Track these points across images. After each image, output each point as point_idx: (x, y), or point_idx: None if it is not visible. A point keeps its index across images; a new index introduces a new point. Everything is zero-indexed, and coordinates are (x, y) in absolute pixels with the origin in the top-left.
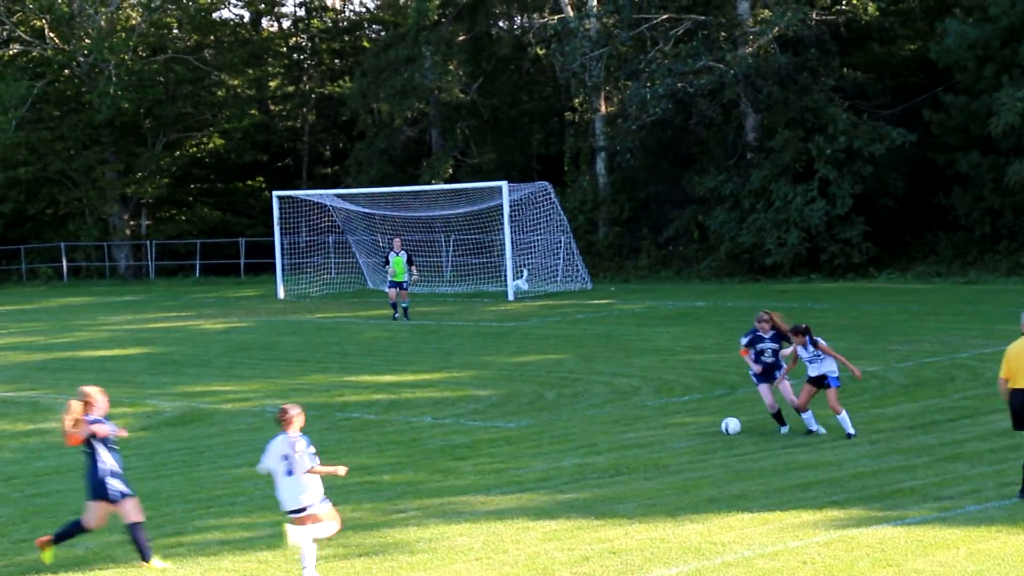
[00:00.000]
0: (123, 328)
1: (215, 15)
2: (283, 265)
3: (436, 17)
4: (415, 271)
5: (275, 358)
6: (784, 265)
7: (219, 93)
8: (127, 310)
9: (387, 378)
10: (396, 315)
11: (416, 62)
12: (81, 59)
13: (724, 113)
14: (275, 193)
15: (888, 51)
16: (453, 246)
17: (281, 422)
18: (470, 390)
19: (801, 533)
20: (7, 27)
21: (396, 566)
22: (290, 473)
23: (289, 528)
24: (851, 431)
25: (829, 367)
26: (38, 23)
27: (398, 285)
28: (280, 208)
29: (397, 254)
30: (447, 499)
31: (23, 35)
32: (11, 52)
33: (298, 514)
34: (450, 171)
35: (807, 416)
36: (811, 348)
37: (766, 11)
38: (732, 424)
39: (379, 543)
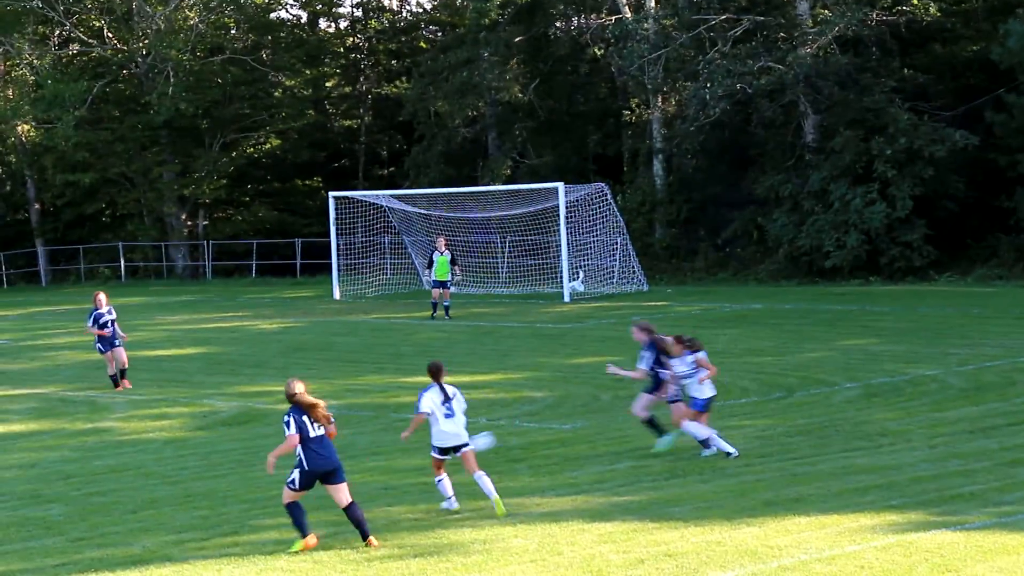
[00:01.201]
0: (180, 328)
1: (272, 15)
2: (339, 266)
3: (494, 17)
4: (458, 271)
5: (331, 359)
6: (843, 268)
7: (276, 94)
8: (184, 310)
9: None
10: (435, 314)
11: (474, 63)
12: (139, 60)
13: (783, 114)
14: (331, 194)
15: (950, 52)
16: (509, 247)
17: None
18: (525, 391)
19: (859, 537)
20: (66, 28)
21: (451, 567)
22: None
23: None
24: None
25: (700, 390)
26: (97, 23)
27: (441, 284)
28: (336, 208)
29: (442, 253)
30: (504, 500)
31: (82, 36)
32: (70, 52)
33: (460, 451)
34: (507, 172)
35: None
36: (689, 362)
37: (826, 11)
38: (482, 441)
39: (434, 544)
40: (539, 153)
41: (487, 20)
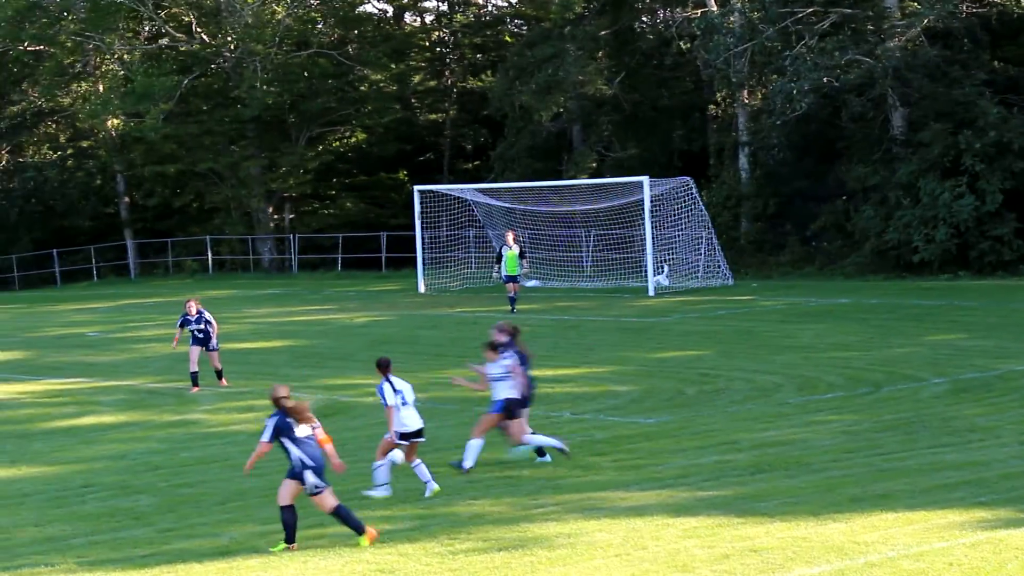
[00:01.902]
0: (266, 321)
1: (358, 10)
2: (424, 259)
3: (579, 11)
4: (526, 264)
5: (415, 352)
6: (932, 262)
7: (362, 88)
8: (270, 303)
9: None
10: (514, 309)
11: (559, 57)
12: (227, 54)
13: (871, 107)
14: (416, 188)
15: None
16: (594, 241)
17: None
18: (609, 386)
19: (947, 534)
20: (156, 22)
21: (535, 561)
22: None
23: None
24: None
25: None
26: (186, 18)
27: (512, 279)
28: (421, 202)
29: (511, 248)
30: (586, 495)
31: (171, 30)
32: (160, 47)
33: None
34: (592, 166)
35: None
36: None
37: (915, 3)
38: (396, 457)
39: (518, 537)
40: (624, 147)
41: (572, 14)
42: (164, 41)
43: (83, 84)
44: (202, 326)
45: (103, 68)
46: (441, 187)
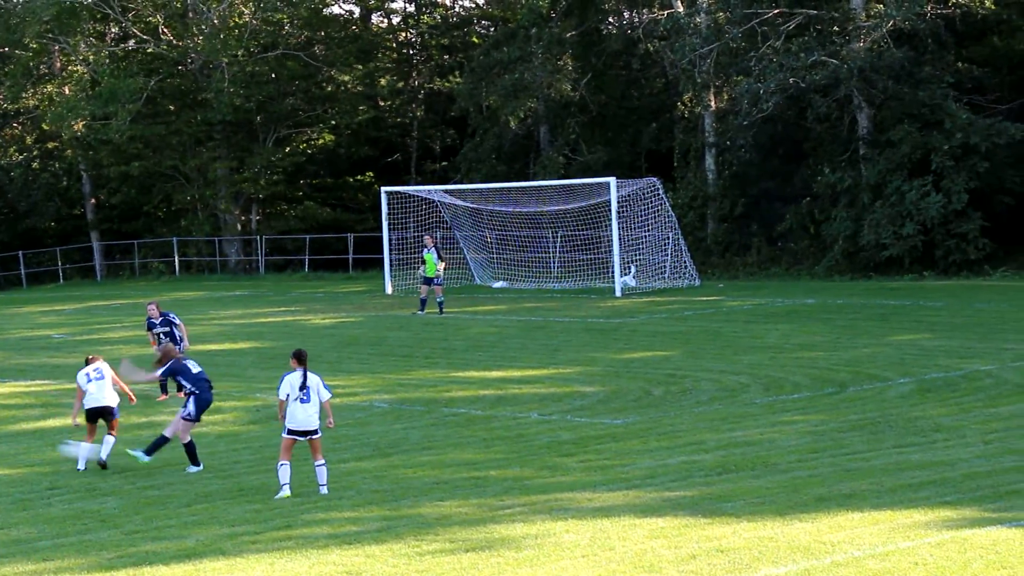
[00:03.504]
0: (233, 322)
1: (325, 11)
2: (391, 261)
3: (546, 13)
4: (442, 267)
5: (382, 353)
6: (900, 259)
7: (330, 89)
8: (237, 305)
9: (493, 374)
10: (422, 311)
11: (525, 60)
12: (194, 56)
13: (837, 108)
14: (383, 189)
15: (1007, 44)
16: (561, 242)
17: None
18: (577, 386)
19: (912, 533)
20: (123, 24)
21: (502, 562)
22: (306, 401)
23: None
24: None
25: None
26: (153, 20)
27: (429, 281)
28: (388, 204)
29: (429, 250)
30: (553, 495)
31: (138, 32)
32: (126, 48)
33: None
34: (559, 167)
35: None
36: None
37: (880, 5)
38: (69, 450)
39: (485, 539)
40: (591, 148)
41: (538, 16)
42: (131, 43)
43: (49, 86)
44: (167, 329)
45: (69, 70)
46: (408, 188)
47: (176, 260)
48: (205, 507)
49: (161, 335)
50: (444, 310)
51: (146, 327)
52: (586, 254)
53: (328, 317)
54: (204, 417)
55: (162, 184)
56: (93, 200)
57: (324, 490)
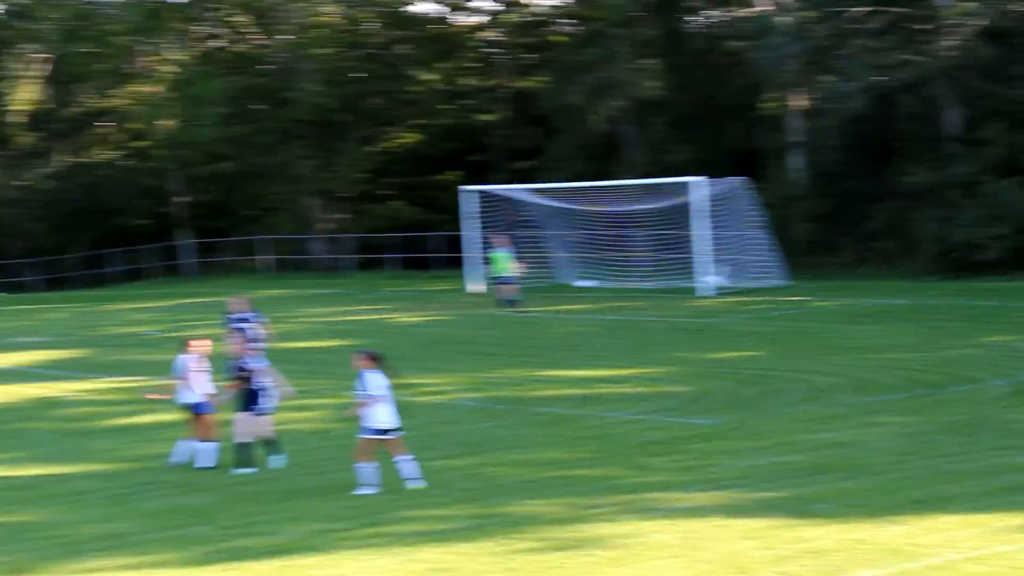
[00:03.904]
0: (320, 320)
1: (407, 10)
2: (476, 259)
3: (630, 12)
4: (517, 268)
5: (469, 352)
6: (992, 261)
7: (414, 88)
8: (324, 303)
9: (580, 373)
10: (510, 309)
11: (610, 59)
12: (280, 56)
13: (925, 106)
14: (468, 188)
15: None
16: (646, 241)
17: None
18: (665, 386)
19: (1009, 537)
20: (209, 23)
21: (591, 561)
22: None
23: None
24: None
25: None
26: (239, 20)
27: (503, 281)
28: (472, 203)
29: (499, 250)
30: (642, 495)
31: (224, 32)
32: (212, 47)
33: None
34: (644, 166)
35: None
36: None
37: (969, 2)
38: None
39: (573, 538)
40: (676, 147)
41: (623, 15)
42: (216, 43)
43: (138, 86)
44: (243, 326)
45: (156, 70)
46: (488, 187)
47: (264, 258)
48: (296, 503)
49: (239, 330)
50: (520, 309)
51: (226, 322)
52: (673, 254)
53: (414, 315)
54: (294, 414)
55: (250, 182)
56: (183, 198)
57: (419, 483)
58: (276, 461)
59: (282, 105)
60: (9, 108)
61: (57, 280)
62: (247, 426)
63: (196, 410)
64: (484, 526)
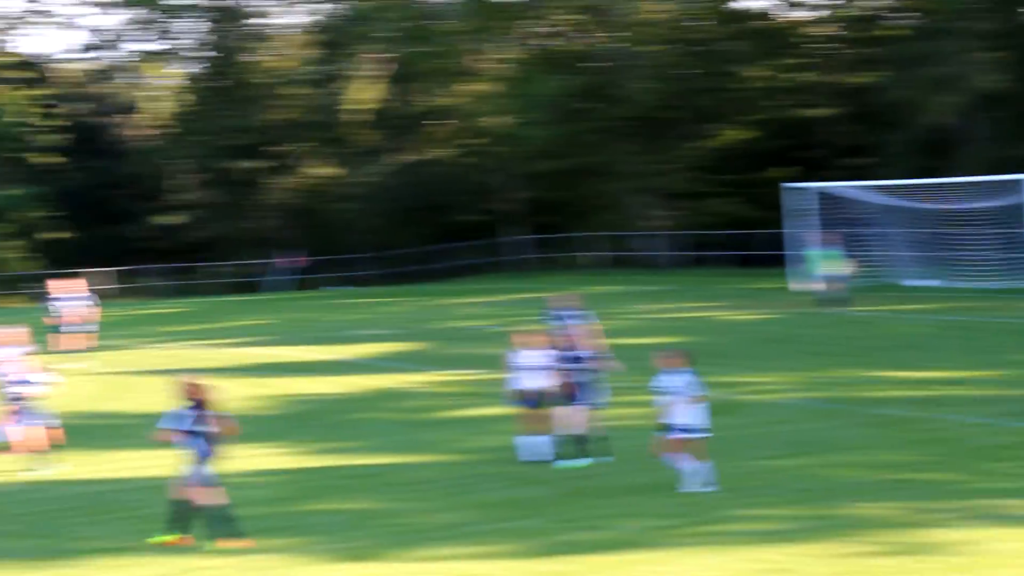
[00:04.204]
0: (648, 317)
1: (739, 5)
2: (799, 257)
3: (971, 4)
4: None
5: (798, 350)
6: None
7: (741, 85)
8: (652, 299)
9: (919, 374)
10: (840, 307)
11: (948, 53)
12: (609, 53)
13: None
14: (792, 185)
15: None
16: (995, 240)
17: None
18: (1011, 389)
19: None
20: (540, 22)
21: (932, 568)
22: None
23: None
24: None
25: None
26: (569, 18)
27: (836, 278)
28: (797, 199)
29: (820, 248)
30: (990, 501)
31: (554, 30)
32: (543, 46)
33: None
34: (984, 162)
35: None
36: None
37: None
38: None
39: (914, 543)
40: (1020, 142)
41: (962, 8)
42: (547, 42)
43: (471, 85)
44: (567, 321)
45: (491, 69)
46: (815, 184)
47: (590, 254)
48: (628, 499)
49: (563, 326)
50: (847, 308)
51: (548, 318)
52: (1014, 253)
53: (741, 313)
54: (628, 411)
55: (577, 180)
56: (511, 195)
57: (710, 487)
58: (582, 461)
59: (611, 102)
60: (348, 107)
61: (389, 275)
62: (575, 419)
63: (528, 404)
64: (819, 528)
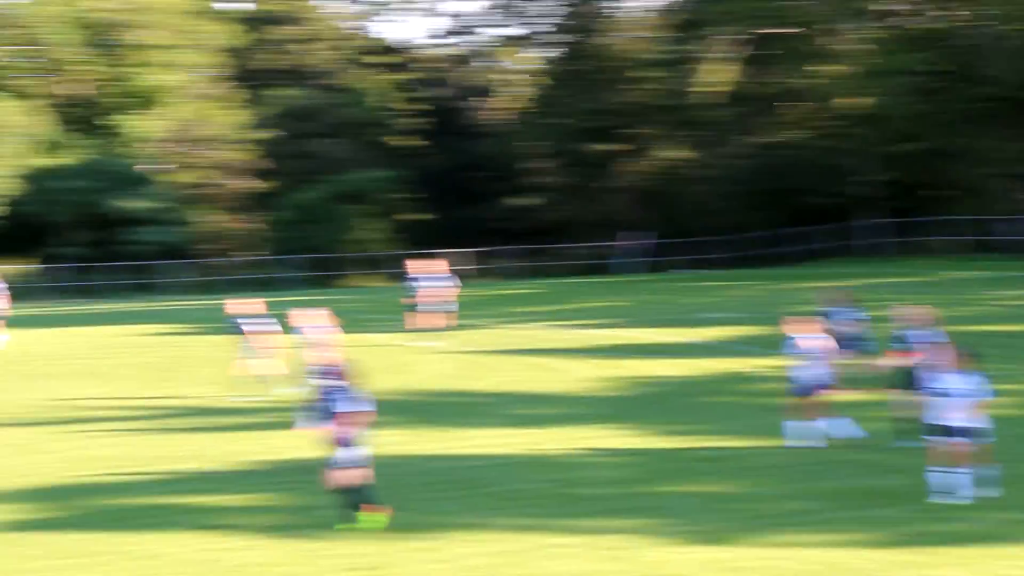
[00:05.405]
0: (1012, 304)
1: None
2: None
3: None
4: None
5: None
6: None
7: None
8: (1015, 285)
9: None
10: None
11: None
12: (975, 30)
13: None
14: None
15: None
16: None
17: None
18: None
19: None
20: (903, 1)
21: None
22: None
23: None
24: None
25: None
26: None
27: None
28: None
29: None
30: None
31: (909, 7)
32: (901, 27)
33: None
34: None
35: None
36: None
37: None
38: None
39: None
40: None
41: None
42: (908, 20)
43: (827, 65)
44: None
45: (846, 50)
46: None
47: (946, 239)
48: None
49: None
50: None
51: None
52: None
53: None
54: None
55: (940, 162)
56: (864, 178)
57: (964, 498)
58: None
59: (973, 83)
60: (700, 89)
61: (740, 258)
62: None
63: (805, 392)
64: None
